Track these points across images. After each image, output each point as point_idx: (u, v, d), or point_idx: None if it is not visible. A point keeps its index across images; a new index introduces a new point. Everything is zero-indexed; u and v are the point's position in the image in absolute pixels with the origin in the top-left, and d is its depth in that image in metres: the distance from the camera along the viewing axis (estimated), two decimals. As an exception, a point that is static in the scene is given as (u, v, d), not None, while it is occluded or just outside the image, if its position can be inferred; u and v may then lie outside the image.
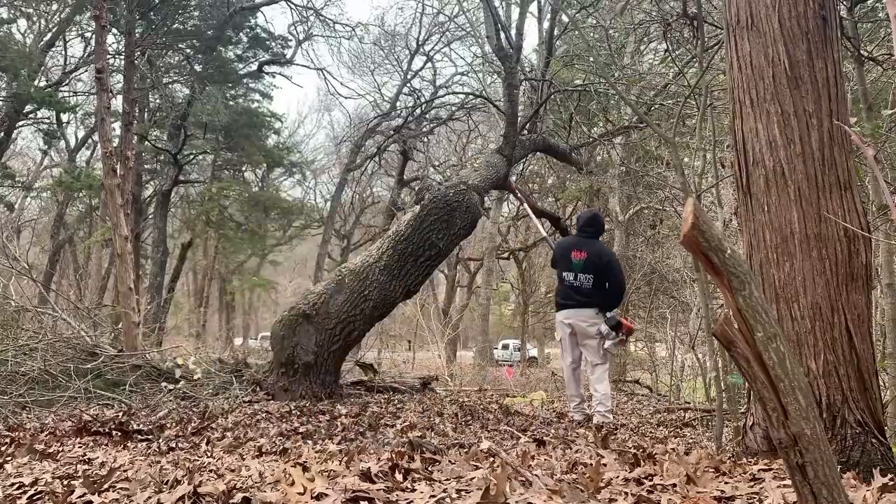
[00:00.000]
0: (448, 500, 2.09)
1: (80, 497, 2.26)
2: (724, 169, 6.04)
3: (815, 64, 3.01)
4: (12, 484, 2.53)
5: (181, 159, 19.41)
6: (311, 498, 2.07)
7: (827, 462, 1.37)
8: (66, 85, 20.55)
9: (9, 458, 3.28)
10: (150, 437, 4.18)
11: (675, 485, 2.25)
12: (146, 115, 19.64)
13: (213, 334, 26.02)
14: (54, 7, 19.22)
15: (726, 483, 2.29)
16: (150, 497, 2.21)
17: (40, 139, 23.11)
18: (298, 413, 5.08)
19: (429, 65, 21.80)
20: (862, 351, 2.87)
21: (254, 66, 20.96)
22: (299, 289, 29.58)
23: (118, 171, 8.31)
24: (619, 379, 10.75)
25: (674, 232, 12.06)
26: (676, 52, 7.08)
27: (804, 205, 2.93)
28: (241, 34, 20.16)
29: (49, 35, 19.18)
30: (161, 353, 7.45)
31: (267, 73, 21.31)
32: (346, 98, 41.83)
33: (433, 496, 2.12)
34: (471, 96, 15.96)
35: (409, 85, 20.34)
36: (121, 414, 4.76)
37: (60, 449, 3.66)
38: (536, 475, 2.30)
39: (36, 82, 17.59)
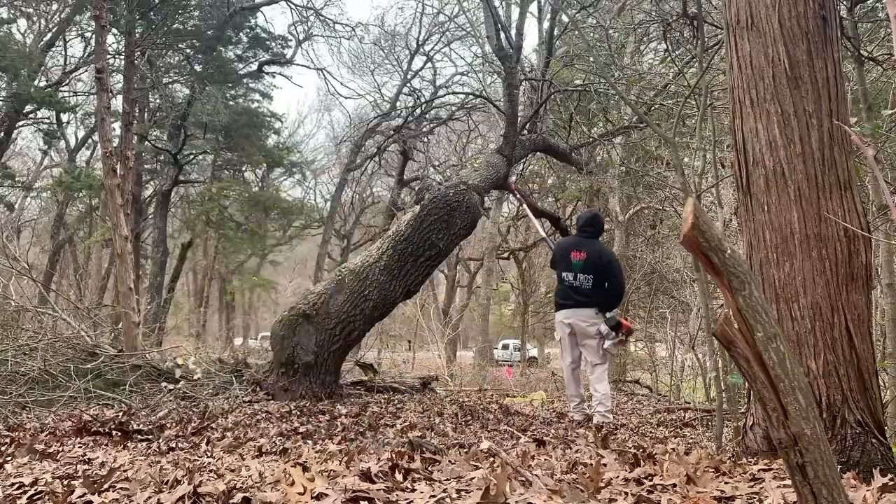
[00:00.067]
0: (448, 500, 2.09)
1: (80, 497, 2.26)
2: (724, 169, 6.03)
3: (815, 64, 3.01)
4: (12, 484, 2.53)
5: (181, 159, 19.41)
6: (311, 498, 2.07)
7: (827, 462, 1.37)
8: (66, 85, 20.57)
9: (9, 458, 3.28)
10: (150, 437, 4.18)
11: (675, 485, 2.25)
12: (146, 115, 19.64)
13: (213, 334, 26.03)
14: (54, 7, 19.23)
15: (726, 483, 2.29)
16: (150, 497, 2.21)
17: (40, 139, 23.14)
18: (298, 413, 5.08)
19: (429, 65, 21.82)
20: (862, 351, 2.87)
21: (254, 66, 20.97)
22: (299, 289, 29.58)
23: (118, 171, 8.31)
24: (619, 379, 10.75)
25: (674, 232, 12.06)
26: (676, 52, 7.08)
27: (804, 205, 2.93)
28: (241, 34, 20.16)
29: (49, 35, 19.18)
30: (161, 353, 7.45)
31: (267, 73, 21.33)
32: (346, 98, 41.90)
33: (433, 496, 2.11)
34: (471, 96, 15.97)
35: (409, 85, 20.35)
36: (121, 414, 4.76)
37: (60, 449, 3.66)
38: (536, 475, 2.30)
39: (36, 82, 17.59)
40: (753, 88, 3.10)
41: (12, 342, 6.33)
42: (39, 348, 6.12)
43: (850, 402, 2.81)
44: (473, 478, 2.36)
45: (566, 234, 8.21)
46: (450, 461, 2.78)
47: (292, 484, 2.16)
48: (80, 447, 3.76)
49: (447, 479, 2.37)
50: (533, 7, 12.28)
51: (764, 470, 2.53)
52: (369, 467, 2.41)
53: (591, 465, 2.59)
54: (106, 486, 2.40)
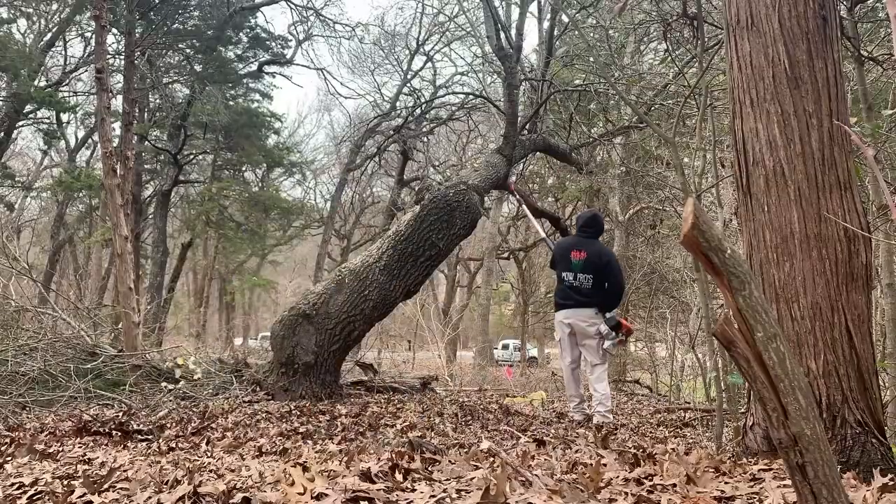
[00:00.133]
0: (448, 500, 2.09)
1: (80, 497, 2.26)
2: (724, 169, 6.03)
3: (815, 64, 3.01)
4: (12, 484, 2.53)
5: (181, 159, 19.41)
6: (311, 498, 2.07)
7: (827, 462, 1.37)
8: (66, 85, 20.56)
9: (9, 458, 3.28)
10: (150, 437, 4.18)
11: (675, 485, 2.25)
12: (146, 115, 19.64)
13: (213, 334, 26.05)
14: (54, 7, 19.23)
15: (726, 483, 2.29)
16: (150, 497, 2.21)
17: (40, 139, 23.14)
18: (298, 413, 5.08)
19: (429, 65, 21.83)
20: (862, 351, 2.86)
21: (254, 66, 20.96)
22: (299, 289, 29.58)
23: (118, 171, 8.31)
24: (619, 379, 10.76)
25: (674, 232, 12.06)
26: (676, 52, 7.08)
27: (804, 205, 2.93)
28: (241, 34, 20.16)
29: (49, 35, 19.18)
30: (161, 353, 7.45)
31: (267, 73, 21.32)
32: (346, 98, 41.91)
33: (433, 496, 2.12)
34: (471, 96, 15.96)
35: (409, 85, 20.34)
36: (121, 414, 4.77)
37: (60, 449, 3.66)
38: (536, 475, 2.30)
39: (36, 82, 17.59)
40: (753, 88, 3.10)
41: (12, 342, 6.33)
42: (39, 348, 6.12)
43: (850, 402, 2.81)
44: (473, 478, 2.36)
45: (566, 234, 8.22)
46: (450, 461, 2.78)
47: (292, 484, 2.16)
48: (80, 447, 3.76)
49: (447, 479, 2.37)
50: (533, 7, 12.29)
51: (764, 470, 2.53)
52: (369, 467, 2.41)
53: (591, 465, 2.59)
54: (106, 486, 2.40)
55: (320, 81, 66.45)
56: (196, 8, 19.01)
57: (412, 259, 6.22)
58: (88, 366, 5.99)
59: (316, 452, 3.36)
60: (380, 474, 2.38)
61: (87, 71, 19.74)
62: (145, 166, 20.19)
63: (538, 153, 10.01)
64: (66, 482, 2.54)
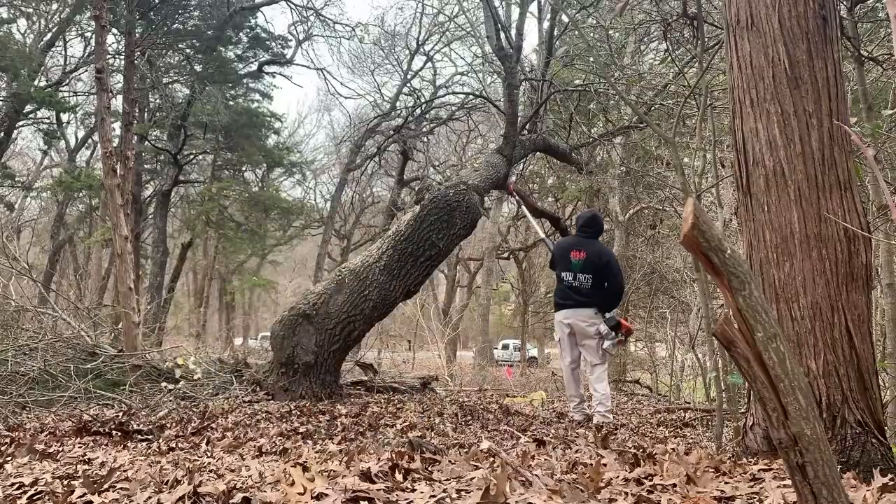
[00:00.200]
0: (448, 500, 2.09)
1: (80, 497, 2.26)
2: (724, 169, 6.03)
3: (815, 64, 3.01)
4: (12, 484, 2.53)
5: (181, 159, 19.41)
6: (311, 498, 2.07)
7: (827, 462, 1.37)
8: (66, 85, 20.56)
9: (9, 458, 3.28)
10: (150, 437, 4.18)
11: (675, 485, 2.25)
12: (146, 115, 19.65)
13: (213, 334, 26.05)
14: (54, 7, 19.23)
15: (726, 483, 2.29)
16: (150, 497, 2.21)
17: (40, 139, 23.14)
18: (298, 413, 5.08)
19: (429, 65, 21.83)
20: (862, 351, 2.86)
21: (254, 66, 20.97)
22: (299, 289, 29.58)
23: (118, 171, 8.31)
24: (619, 379, 10.76)
25: (674, 232, 12.06)
26: (676, 52, 7.07)
27: (804, 205, 2.93)
28: (241, 34, 20.16)
29: (49, 35, 19.18)
30: (161, 353, 7.45)
31: (267, 73, 21.32)
32: (346, 98, 41.91)
33: (433, 496, 2.11)
34: (471, 96, 15.97)
35: (409, 85, 20.34)
36: (121, 414, 4.77)
37: (60, 449, 3.66)
38: (536, 475, 2.30)
39: (36, 82, 17.59)
40: (753, 88, 3.10)
41: (12, 342, 6.33)
42: (39, 348, 6.12)
43: (850, 402, 2.81)
44: (473, 478, 2.36)
45: (566, 234, 8.21)
46: (450, 461, 2.78)
47: (292, 484, 2.16)
48: (80, 447, 3.76)
49: (447, 479, 2.37)
50: (533, 7, 12.29)
51: (764, 470, 2.53)
52: (369, 467, 2.41)
53: (591, 465, 2.59)
54: (106, 486, 2.40)
55: (320, 81, 66.52)
56: (196, 8, 19.01)
57: (412, 259, 6.22)
58: (88, 366, 5.99)
59: (316, 452, 3.36)
60: (380, 474, 2.38)
61: (87, 71, 19.75)
62: (145, 166, 20.19)
63: (538, 153, 10.01)
64: (66, 482, 2.54)
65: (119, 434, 4.18)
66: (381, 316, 6.58)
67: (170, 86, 19.75)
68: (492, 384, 10.83)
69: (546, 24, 10.92)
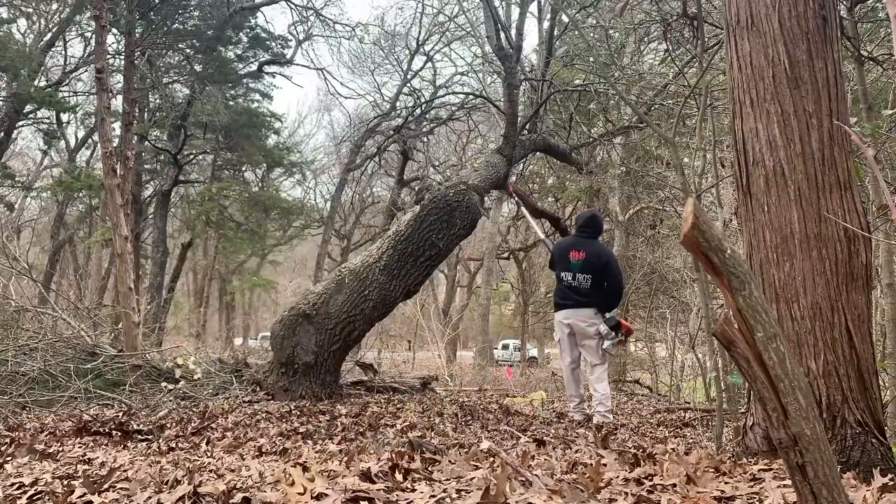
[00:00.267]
0: (448, 500, 2.09)
1: (80, 497, 2.26)
2: (724, 169, 6.03)
3: (815, 64, 3.01)
4: (12, 484, 2.53)
5: (181, 159, 19.41)
6: (311, 498, 2.07)
7: (827, 462, 1.37)
8: (66, 85, 20.56)
9: (9, 458, 3.28)
10: (150, 437, 4.18)
11: (675, 485, 2.25)
12: (146, 115, 19.65)
13: (213, 334, 26.05)
14: (54, 7, 19.23)
15: (726, 483, 2.29)
16: (150, 497, 2.21)
17: (40, 139, 23.14)
18: (298, 413, 5.08)
19: (429, 65, 21.83)
20: (862, 351, 2.86)
21: (254, 66, 20.97)
22: (299, 289, 29.58)
23: (118, 171, 8.31)
24: (619, 379, 10.76)
25: (674, 232, 12.06)
26: (676, 52, 7.07)
27: (804, 205, 2.93)
28: (241, 34, 20.16)
29: (49, 35, 19.18)
30: (161, 353, 7.45)
31: (267, 73, 21.32)
32: (346, 98, 41.91)
33: (433, 496, 2.11)
34: (471, 96, 15.97)
35: (409, 85, 20.35)
36: (121, 414, 4.77)
37: (60, 449, 3.66)
38: (536, 475, 2.31)
39: (36, 82, 17.59)
40: (753, 88, 3.10)
41: (12, 342, 6.33)
42: (39, 348, 6.12)
43: (850, 402, 2.81)
44: (473, 478, 2.36)
45: (566, 234, 8.20)
46: (450, 461, 2.78)
47: (292, 484, 2.16)
48: (80, 447, 3.76)
49: (447, 479, 2.37)
50: (533, 7, 12.29)
51: (764, 470, 2.53)
52: (369, 467, 2.41)
53: (591, 465, 2.59)
54: (106, 486, 2.40)
55: (320, 81, 66.53)
56: (196, 8, 19.01)
57: (412, 259, 6.22)
58: (88, 366, 5.99)
59: (316, 452, 3.36)
60: (380, 474, 2.38)
61: (87, 71, 19.75)
62: (145, 166, 20.19)
63: (538, 153, 10.01)
64: (66, 482, 2.54)
65: (119, 434, 4.18)
66: (381, 316, 6.58)
67: (170, 86, 19.75)
68: (492, 384, 10.83)
69: (546, 24, 10.92)
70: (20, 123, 19.31)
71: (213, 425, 4.56)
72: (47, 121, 20.84)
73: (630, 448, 3.38)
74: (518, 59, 8.52)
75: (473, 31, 17.81)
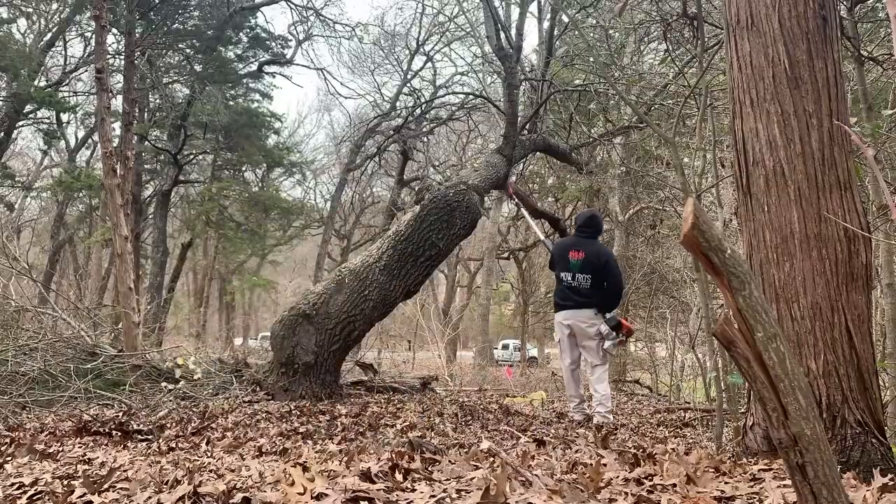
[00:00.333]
0: (448, 500, 2.09)
1: (80, 497, 2.26)
2: (724, 169, 6.03)
3: (815, 64, 3.01)
4: (12, 484, 2.53)
5: (181, 159, 19.41)
6: (311, 498, 2.07)
7: (827, 462, 1.37)
8: (66, 85, 20.56)
9: (9, 458, 3.28)
10: (150, 437, 4.18)
11: (675, 485, 2.25)
12: (146, 115, 19.65)
13: (213, 334, 26.05)
14: (54, 7, 19.23)
15: (726, 483, 2.29)
16: (150, 497, 2.21)
17: (40, 139, 23.14)
18: (298, 413, 5.08)
19: (429, 65, 21.84)
20: (862, 351, 2.86)
21: (254, 66, 20.97)
22: (299, 289, 29.58)
23: (118, 171, 8.31)
24: (619, 379, 10.76)
25: (674, 232, 12.06)
26: (676, 52, 7.07)
27: (804, 205, 2.93)
28: (241, 34, 20.16)
29: (49, 35, 19.18)
30: (161, 353, 7.45)
31: (267, 73, 21.33)
32: (346, 98, 41.93)
33: (433, 496, 2.11)
34: (471, 96, 15.97)
35: (409, 85, 20.35)
36: (121, 414, 4.77)
37: (60, 449, 3.66)
38: (536, 475, 2.31)
39: (36, 82, 17.59)
40: (753, 88, 3.10)
41: (12, 342, 6.33)
42: (39, 348, 6.12)
43: (850, 402, 2.81)
44: (473, 478, 2.36)
45: (565, 234, 8.19)
46: (450, 461, 2.78)
47: (292, 484, 2.16)
48: (80, 447, 3.76)
49: (447, 479, 2.37)
50: (533, 7, 12.29)
51: (764, 470, 2.53)
52: (369, 467, 2.41)
53: (591, 465, 2.59)
54: (106, 486, 2.40)
55: (320, 81, 66.53)
56: (196, 8, 19.01)
57: (412, 259, 6.22)
58: (88, 366, 5.99)
59: (316, 452, 3.36)
60: (380, 474, 2.38)
61: (87, 71, 19.75)
62: (145, 166, 20.19)
63: (538, 153, 10.01)
64: (66, 482, 2.54)
65: (119, 434, 4.18)
66: (381, 316, 6.58)
67: (170, 86, 19.75)
68: (492, 384, 10.83)
69: (546, 24, 10.92)
70: (20, 123, 19.31)
71: (213, 425, 4.56)
72: (47, 121, 20.85)
73: (630, 448, 3.38)
74: (518, 59, 8.52)
75: (473, 31, 17.81)
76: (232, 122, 19.03)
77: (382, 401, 6.01)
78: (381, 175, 24.79)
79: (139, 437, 4.20)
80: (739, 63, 3.17)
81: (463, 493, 2.15)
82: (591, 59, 9.78)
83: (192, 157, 21.28)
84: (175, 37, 18.62)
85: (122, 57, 15.78)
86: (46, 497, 2.33)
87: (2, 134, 17.59)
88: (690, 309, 9.01)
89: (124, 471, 2.82)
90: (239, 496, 2.15)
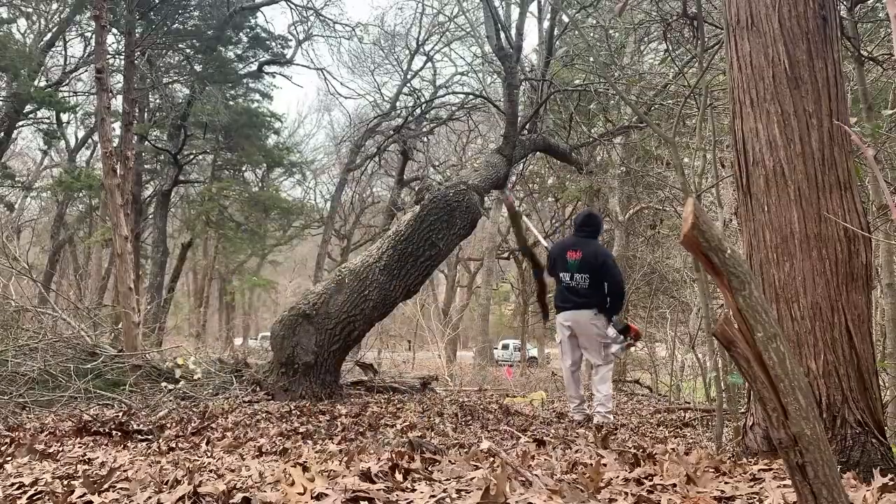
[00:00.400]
0: (448, 500, 2.09)
1: (80, 497, 2.26)
2: (724, 169, 6.03)
3: (815, 64, 3.01)
4: (12, 484, 2.53)
5: (181, 159, 19.41)
6: (311, 498, 2.07)
7: (827, 462, 1.37)
8: (66, 85, 20.56)
9: (9, 458, 3.28)
10: (150, 437, 4.18)
11: (675, 485, 2.25)
12: (146, 115, 19.65)
13: (213, 334, 26.06)
14: (54, 7, 19.23)
15: (726, 483, 2.29)
16: (150, 497, 2.21)
17: (40, 139, 23.14)
18: (298, 413, 5.08)
19: (429, 65, 21.84)
20: (862, 351, 2.86)
21: (254, 66, 20.97)
22: (299, 289, 29.58)
23: (118, 171, 8.31)
24: (619, 379, 10.74)
25: (674, 232, 12.06)
26: (676, 52, 7.07)
27: (804, 205, 2.93)
28: (241, 34, 20.16)
29: (49, 35, 19.18)
30: (161, 353, 7.45)
31: (267, 73, 21.32)
32: (346, 98, 41.89)
33: (433, 496, 2.11)
34: (471, 96, 15.97)
35: (409, 85, 20.35)
36: (121, 414, 4.77)
37: (60, 449, 3.66)
38: (536, 475, 2.31)
39: (36, 82, 17.59)
40: (753, 88, 3.09)
41: (12, 342, 6.33)
42: (39, 348, 6.12)
43: (850, 402, 2.81)
44: (473, 478, 2.36)
45: (543, 281, 7.49)
46: (450, 461, 2.78)
47: (292, 484, 2.16)
48: (80, 447, 3.76)
49: (447, 479, 2.37)
50: (533, 7, 12.29)
51: (764, 470, 2.53)
52: (369, 467, 2.41)
53: (591, 465, 2.59)
54: (106, 486, 2.40)
55: (320, 81, 66.52)
56: (196, 8, 19.01)
57: (412, 259, 6.22)
58: (88, 366, 5.99)
59: (316, 452, 3.36)
60: (380, 474, 2.38)
61: (87, 71, 19.75)
62: (145, 166, 20.19)
63: (538, 153, 10.02)
64: (66, 482, 2.54)
65: (119, 434, 4.18)
66: (381, 316, 6.58)
67: (170, 86, 19.75)
68: (492, 384, 10.83)
69: (546, 24, 10.92)
70: (20, 123, 19.31)
71: (213, 425, 4.56)
72: (47, 121, 20.85)
73: (630, 448, 3.38)
74: (518, 59, 8.52)
75: (473, 31, 17.81)
76: (232, 122, 19.03)
77: (382, 401, 6.01)
78: (381, 175, 24.80)
79: (139, 437, 4.20)
80: (739, 63, 3.17)
81: (463, 493, 2.15)
82: (591, 59, 9.78)
83: (192, 157, 21.28)
84: (175, 37, 18.62)
85: (122, 57, 15.78)
86: (46, 497, 2.33)
87: (2, 134, 17.59)
88: (690, 309, 9.01)
89: (124, 471, 2.82)
90: (239, 496, 2.15)
